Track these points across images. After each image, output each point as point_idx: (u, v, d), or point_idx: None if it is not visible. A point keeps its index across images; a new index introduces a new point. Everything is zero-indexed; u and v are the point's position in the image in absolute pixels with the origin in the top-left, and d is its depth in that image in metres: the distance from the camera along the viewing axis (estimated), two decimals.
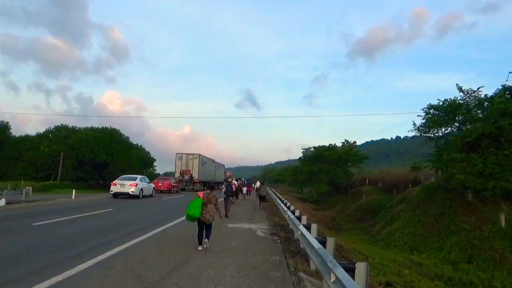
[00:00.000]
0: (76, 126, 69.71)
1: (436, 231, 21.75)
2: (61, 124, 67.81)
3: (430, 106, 26.30)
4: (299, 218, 9.57)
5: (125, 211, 16.53)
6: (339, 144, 58.25)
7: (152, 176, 57.06)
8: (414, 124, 26.85)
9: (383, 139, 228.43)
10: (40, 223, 11.24)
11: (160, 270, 6.29)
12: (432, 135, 26.91)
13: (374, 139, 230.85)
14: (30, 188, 25.01)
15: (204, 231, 8.30)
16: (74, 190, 31.30)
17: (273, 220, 15.15)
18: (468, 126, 23.63)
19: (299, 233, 7.84)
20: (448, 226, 21.47)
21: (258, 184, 29.74)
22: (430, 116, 26.13)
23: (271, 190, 41.27)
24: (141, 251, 7.79)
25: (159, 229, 10.97)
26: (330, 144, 57.96)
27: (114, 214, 14.80)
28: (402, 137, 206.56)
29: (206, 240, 8.28)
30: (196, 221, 8.19)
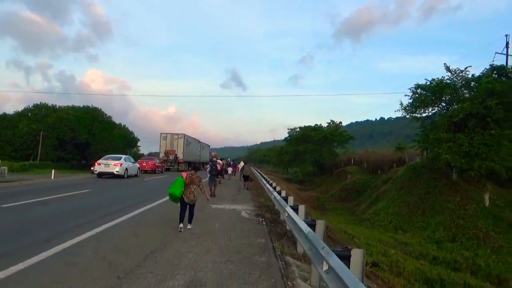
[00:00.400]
0: (56, 105, 67.50)
1: (420, 211, 21.81)
2: (40, 103, 65.50)
3: (418, 86, 26.01)
4: (285, 199, 9.13)
5: (104, 191, 15.88)
6: (324, 125, 58.08)
7: (136, 156, 56.00)
8: (401, 104, 26.62)
9: (367, 120, 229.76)
10: (10, 204, 10.52)
11: (135, 256, 5.77)
12: (418, 115, 26.73)
13: (359, 120, 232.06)
14: (6, 168, 23.98)
15: (187, 212, 8.13)
16: (53, 170, 30.36)
17: (259, 201, 14.75)
18: (455, 106, 23.46)
19: (286, 214, 7.39)
20: (433, 205, 21.54)
21: (241, 164, 29.78)
22: (417, 96, 25.86)
23: (257, 171, 41.12)
24: (116, 235, 7.24)
25: (138, 210, 10.41)
26: (316, 125, 57.69)
27: (92, 195, 14.13)
28: (386, 118, 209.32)
29: (189, 226, 8.20)
30: (178, 202, 8.02)
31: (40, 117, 61.59)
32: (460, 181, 22.94)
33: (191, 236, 7.47)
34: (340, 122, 57.71)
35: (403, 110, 26.58)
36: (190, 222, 8.24)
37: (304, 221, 5.74)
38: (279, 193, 11.00)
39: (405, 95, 26.54)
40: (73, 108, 70.18)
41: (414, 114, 26.69)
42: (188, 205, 8.08)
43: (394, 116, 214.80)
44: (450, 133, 20.80)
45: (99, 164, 23.58)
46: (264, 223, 9.60)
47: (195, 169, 8.82)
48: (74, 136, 63.16)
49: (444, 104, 25.20)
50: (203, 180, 8.83)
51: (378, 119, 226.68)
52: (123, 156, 25.33)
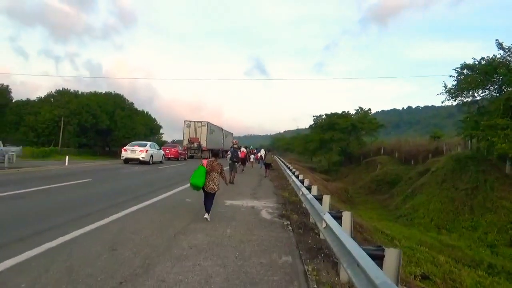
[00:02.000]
0: (78, 91, 67.02)
1: (468, 208, 19.04)
2: (62, 88, 65.15)
3: (464, 66, 22.86)
4: (319, 199, 6.85)
5: (104, 183, 14.09)
6: (352, 112, 54.84)
7: (159, 144, 55.12)
8: (445, 86, 23.48)
9: (394, 109, 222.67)
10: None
11: (105, 283, 3.71)
12: (464, 99, 23.59)
13: (385, 108, 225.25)
14: (14, 153, 22.65)
15: (206, 201, 7.75)
16: (67, 157, 29.25)
17: (282, 195, 12.53)
18: (510, 88, 20.30)
19: (323, 225, 5.14)
20: (483, 202, 18.72)
21: (262, 152, 29.16)
22: (463, 77, 22.73)
23: (280, 159, 39.20)
24: (90, 245, 5.23)
25: (127, 211, 8.43)
26: (343, 111, 54.51)
27: (87, 187, 12.31)
28: (413, 107, 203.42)
29: (207, 215, 7.66)
30: (201, 190, 7.64)
31: (62, 103, 61.24)
32: None
33: (189, 251, 5.36)
34: (369, 109, 54.30)
35: (447, 94, 23.48)
36: (208, 212, 7.71)
37: (363, 248, 3.48)
38: (309, 189, 8.74)
39: (450, 76, 23.45)
40: (95, 94, 69.60)
41: (460, 98, 23.53)
42: (208, 194, 7.67)
43: (422, 105, 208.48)
44: (506, 118, 17.81)
45: (126, 151, 24.18)
46: (290, 228, 7.40)
47: (215, 156, 8.51)
48: (96, 122, 62.62)
49: (496, 86, 21.98)
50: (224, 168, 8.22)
51: (405, 107, 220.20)
52: (149, 143, 25.85)
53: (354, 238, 4.34)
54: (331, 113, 54.99)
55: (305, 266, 5.02)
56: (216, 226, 7.07)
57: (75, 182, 12.71)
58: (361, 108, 54.15)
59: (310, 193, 7.93)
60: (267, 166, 21.23)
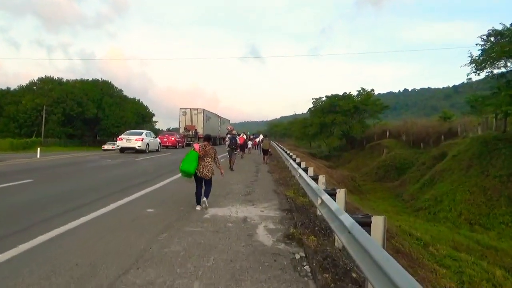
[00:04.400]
0: (63, 78, 63.21)
1: (505, 199, 16.08)
2: (45, 76, 61.33)
3: (492, 32, 19.57)
4: (364, 224, 3.70)
5: (49, 183, 10.91)
6: (354, 93, 51.32)
7: (154, 132, 52.50)
8: (471, 55, 20.14)
9: (390, 92, 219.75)
10: None
11: None
12: (492, 71, 20.28)
13: (381, 92, 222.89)
14: None
15: (204, 187, 7.20)
16: (39, 149, 26.15)
17: (285, 195, 9.35)
18: None
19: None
20: None
21: (261, 137, 28.19)
22: (492, 45, 19.44)
23: (278, 146, 36.75)
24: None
25: (30, 244, 5.27)
26: (345, 93, 51.09)
27: (19, 191, 9.12)
28: (410, 90, 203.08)
29: (205, 199, 7.11)
30: (192, 177, 7.10)
31: (44, 91, 57.56)
32: None
33: None
34: (372, 90, 50.70)
35: (473, 64, 20.15)
36: (206, 196, 7.17)
37: None
38: (331, 194, 5.60)
39: (476, 44, 20.15)
40: (81, 81, 65.89)
41: (487, 70, 20.19)
42: (203, 180, 7.17)
43: (418, 87, 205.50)
44: None
45: (121, 140, 23.73)
46: (307, 268, 4.24)
47: (208, 140, 7.77)
48: (82, 111, 59.09)
49: None
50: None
51: (401, 90, 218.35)
52: (144, 131, 25.56)
53: None
54: (332, 94, 51.59)
55: None
56: (177, 274, 3.91)
57: (9, 184, 9.50)
58: (363, 89, 50.72)
59: (352, 221, 4.79)
60: (265, 152, 20.65)
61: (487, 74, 20.27)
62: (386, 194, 26.70)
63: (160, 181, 10.59)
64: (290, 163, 13.59)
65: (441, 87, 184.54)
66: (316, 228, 6.04)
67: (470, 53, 19.98)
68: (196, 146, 7.25)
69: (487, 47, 19.59)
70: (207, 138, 7.88)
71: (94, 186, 9.92)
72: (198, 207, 7.09)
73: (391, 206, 21.78)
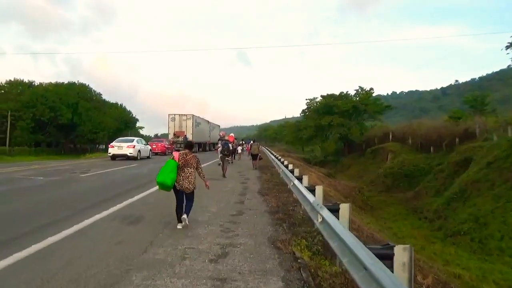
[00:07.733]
0: (33, 81, 57.89)
1: None
2: (14, 78, 55.82)
3: None
4: None
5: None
6: (352, 92, 47.16)
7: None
8: (510, 44, 16.15)
9: (378, 95, 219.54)
10: None
11: None
12: None
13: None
14: None
15: (184, 202, 6.34)
16: None
17: (293, 255, 4.92)
18: None
19: None
20: None
21: (250, 142, 27.24)
22: None
23: (268, 151, 33.39)
24: None
25: None
26: (342, 92, 46.87)
27: None
28: (398, 92, 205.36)
29: (185, 216, 6.20)
30: (171, 190, 6.35)
31: (13, 95, 52.37)
32: None
33: None
34: (371, 89, 46.54)
35: None
36: (187, 213, 6.23)
37: None
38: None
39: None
40: (54, 84, 60.66)
41: None
42: (184, 193, 6.34)
43: (406, 90, 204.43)
44: None
45: (113, 147, 24.08)
46: None
47: (190, 147, 6.89)
48: (55, 116, 53.98)
49: None
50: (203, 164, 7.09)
51: (389, 93, 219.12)
52: (135, 139, 26.57)
53: None
54: (328, 94, 47.35)
55: None
56: None
57: None
58: (361, 88, 46.53)
59: None
60: (254, 157, 20.91)
61: None
62: (401, 209, 22.53)
63: (101, 210, 6.14)
64: (292, 181, 9.25)
65: (428, 89, 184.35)
66: None
67: None
68: (176, 154, 6.56)
69: None
70: (188, 146, 7.06)
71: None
72: (179, 226, 6.27)
73: (414, 228, 17.59)
